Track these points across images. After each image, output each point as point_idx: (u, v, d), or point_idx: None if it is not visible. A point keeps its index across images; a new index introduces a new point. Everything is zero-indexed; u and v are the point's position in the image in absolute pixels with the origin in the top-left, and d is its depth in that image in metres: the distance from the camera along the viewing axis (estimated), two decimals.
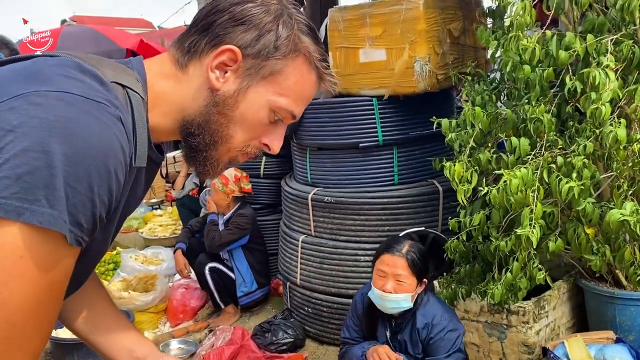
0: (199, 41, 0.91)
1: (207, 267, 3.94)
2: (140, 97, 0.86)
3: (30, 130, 0.69)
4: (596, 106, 2.06)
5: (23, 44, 6.94)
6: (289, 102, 0.93)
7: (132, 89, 0.85)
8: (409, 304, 2.31)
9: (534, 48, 2.21)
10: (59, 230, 0.70)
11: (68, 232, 0.71)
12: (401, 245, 2.36)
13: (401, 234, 2.95)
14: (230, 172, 4.03)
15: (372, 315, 2.43)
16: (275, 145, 0.98)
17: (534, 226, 2.19)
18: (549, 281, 2.40)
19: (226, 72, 0.90)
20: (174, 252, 4.19)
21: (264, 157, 4.32)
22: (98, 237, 0.81)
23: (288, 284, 3.61)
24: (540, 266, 2.36)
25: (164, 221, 5.98)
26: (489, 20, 2.94)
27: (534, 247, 2.22)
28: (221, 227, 4.00)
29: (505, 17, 2.64)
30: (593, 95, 2.08)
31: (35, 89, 0.72)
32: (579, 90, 2.15)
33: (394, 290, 2.28)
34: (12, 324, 0.71)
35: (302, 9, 4.64)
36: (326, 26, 3.36)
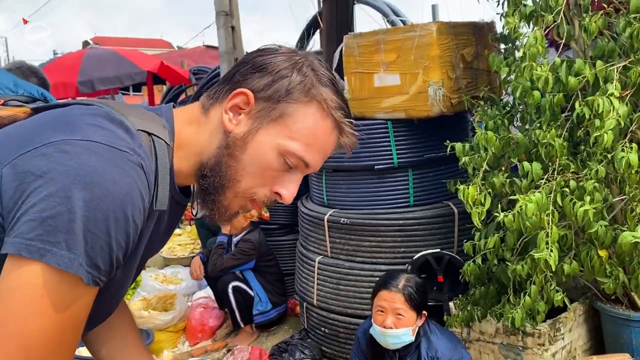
0: (222, 88, 0.97)
1: (230, 286, 3.97)
2: (166, 143, 0.90)
3: (56, 177, 0.75)
4: (599, 133, 2.10)
5: (47, 67, 7.20)
6: (298, 147, 0.93)
7: (157, 136, 0.89)
8: (410, 338, 2.35)
9: (547, 77, 2.24)
10: (75, 273, 0.75)
11: (85, 274, 0.76)
12: (397, 280, 2.39)
13: (416, 256, 2.99)
14: None
15: (377, 349, 2.46)
16: (288, 194, 0.96)
17: (551, 249, 2.21)
18: (567, 302, 2.41)
19: (240, 115, 0.94)
20: (192, 258, 4.25)
21: None
22: (118, 275, 0.86)
23: (305, 304, 3.65)
24: (557, 288, 2.38)
25: (182, 240, 6.05)
26: (502, 45, 2.99)
27: (553, 270, 2.23)
28: (233, 248, 4.06)
29: (517, 43, 2.69)
30: (597, 122, 2.12)
31: (64, 138, 0.79)
32: (587, 116, 2.19)
33: (394, 325, 2.32)
34: (30, 359, 0.75)
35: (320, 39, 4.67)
36: (341, 52, 3.43)
